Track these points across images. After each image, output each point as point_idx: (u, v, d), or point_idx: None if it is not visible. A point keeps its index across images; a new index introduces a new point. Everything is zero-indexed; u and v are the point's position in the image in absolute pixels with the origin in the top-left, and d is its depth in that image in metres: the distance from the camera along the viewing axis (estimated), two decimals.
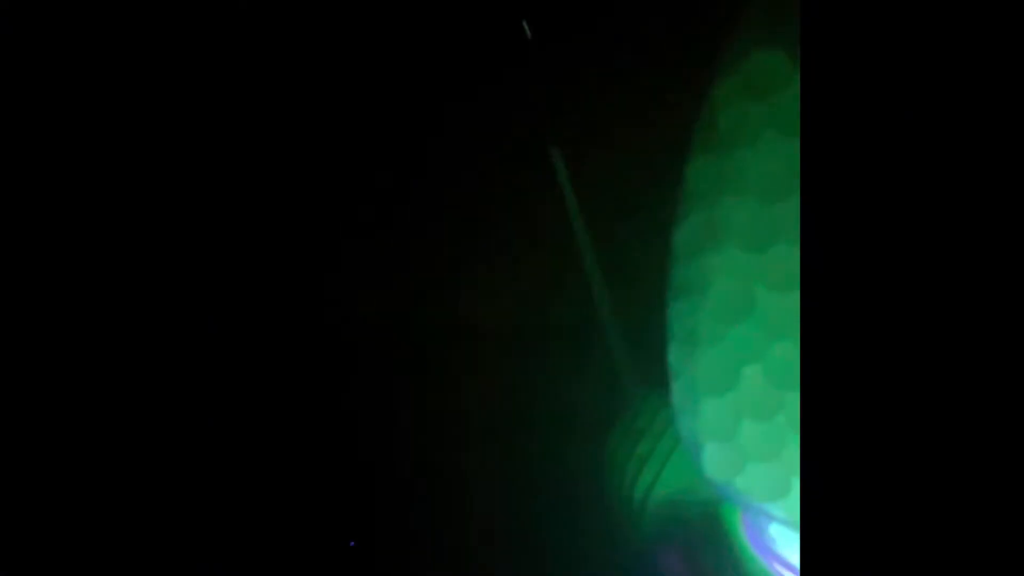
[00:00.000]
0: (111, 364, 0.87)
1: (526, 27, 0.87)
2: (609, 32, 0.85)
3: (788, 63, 0.52)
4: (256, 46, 0.90)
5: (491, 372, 0.90)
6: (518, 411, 0.88)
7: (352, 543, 0.90)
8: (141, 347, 0.88)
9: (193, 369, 0.89)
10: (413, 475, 0.91)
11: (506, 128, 0.90)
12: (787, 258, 0.52)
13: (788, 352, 0.53)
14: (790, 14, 0.51)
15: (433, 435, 0.90)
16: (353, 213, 0.93)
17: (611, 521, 0.75)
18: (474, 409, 0.89)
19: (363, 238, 0.93)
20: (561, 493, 0.84)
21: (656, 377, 0.60)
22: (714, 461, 0.56)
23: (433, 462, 0.90)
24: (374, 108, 0.92)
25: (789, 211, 0.52)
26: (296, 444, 0.91)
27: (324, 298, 0.93)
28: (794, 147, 0.51)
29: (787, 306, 0.52)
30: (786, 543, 0.62)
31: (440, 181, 0.92)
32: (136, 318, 0.89)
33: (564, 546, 0.83)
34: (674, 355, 0.57)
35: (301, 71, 0.91)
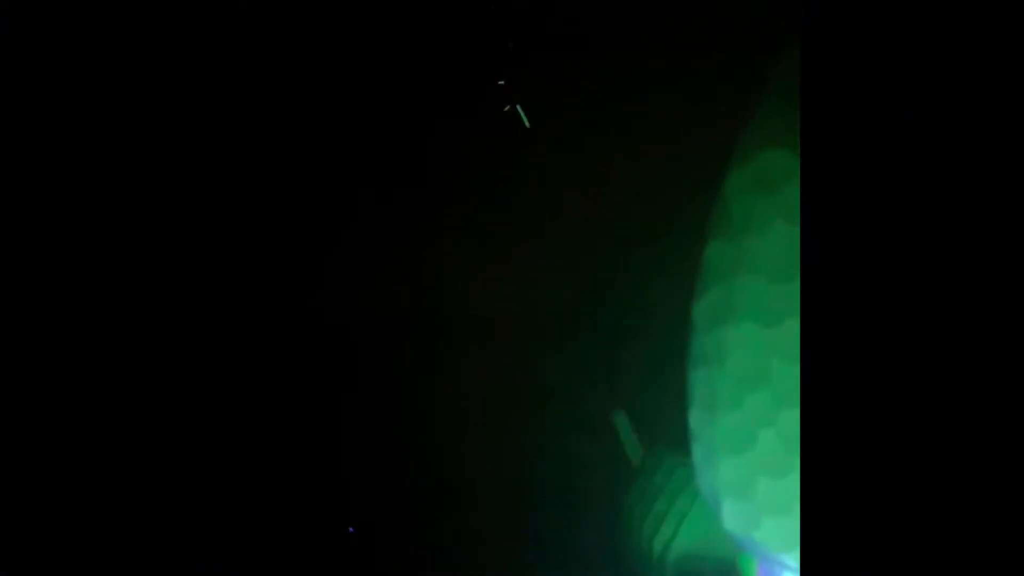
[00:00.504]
0: (111, 364, 0.89)
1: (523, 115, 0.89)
2: (629, 121, 0.88)
3: (794, 159, 0.56)
4: (256, 46, 0.91)
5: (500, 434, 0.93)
6: (530, 467, 0.92)
7: (351, 529, 0.92)
8: (141, 347, 0.90)
9: (193, 369, 0.91)
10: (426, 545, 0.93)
11: (513, 124, 0.93)
12: (798, 332, 0.57)
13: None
14: (795, 115, 0.55)
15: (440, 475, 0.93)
16: (354, 209, 0.95)
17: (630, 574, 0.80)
18: (485, 463, 0.92)
19: (364, 233, 0.95)
20: (577, 549, 0.87)
21: (672, 437, 0.64)
22: (733, 516, 0.61)
23: (442, 505, 0.92)
24: (375, 103, 0.94)
25: (799, 290, 0.57)
26: (296, 442, 0.93)
27: (324, 295, 0.95)
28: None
29: (799, 376, 0.57)
30: None
31: (443, 179, 0.95)
32: (136, 318, 0.90)
33: None
34: (695, 419, 0.62)
35: (302, 68, 0.92)
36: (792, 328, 0.57)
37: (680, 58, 0.88)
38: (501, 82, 0.92)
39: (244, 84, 0.92)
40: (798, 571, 0.60)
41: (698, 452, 0.62)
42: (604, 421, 0.87)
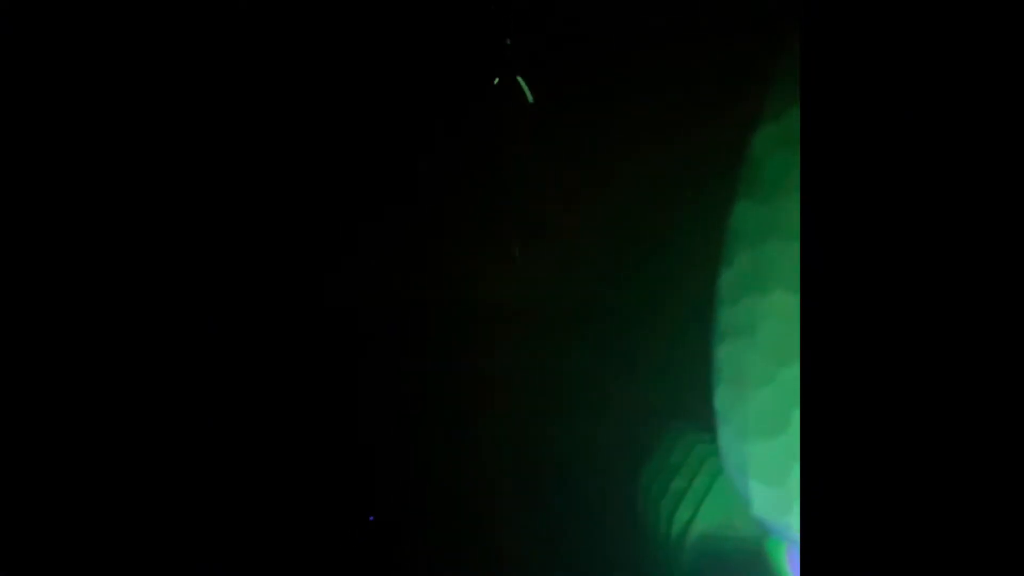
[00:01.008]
0: (111, 364, 0.86)
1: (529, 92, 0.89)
2: (651, 77, 0.86)
3: None
4: (260, 43, 0.89)
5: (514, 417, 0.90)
6: (545, 444, 0.89)
7: (372, 518, 0.90)
8: (141, 347, 0.88)
9: (193, 369, 0.89)
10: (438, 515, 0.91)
11: (522, 118, 0.91)
12: None
13: None
14: None
15: (454, 465, 0.91)
16: (366, 204, 0.93)
17: (648, 558, 0.76)
18: (496, 443, 0.89)
19: (380, 223, 0.93)
20: (594, 530, 0.84)
21: (690, 411, 0.61)
22: (763, 502, 0.56)
23: (458, 490, 0.90)
24: (378, 101, 0.92)
25: None
26: (299, 441, 0.91)
27: (327, 293, 0.93)
28: None
29: None
30: None
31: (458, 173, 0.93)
32: (136, 318, 0.88)
33: None
34: (721, 398, 0.57)
35: (306, 65, 0.90)
36: None
37: (681, 56, 0.86)
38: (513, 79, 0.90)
39: (243, 81, 0.90)
40: None
41: (725, 434, 0.57)
42: (621, 403, 0.84)
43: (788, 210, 0.54)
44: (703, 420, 0.60)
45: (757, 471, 0.56)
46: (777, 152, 0.54)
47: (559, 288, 0.92)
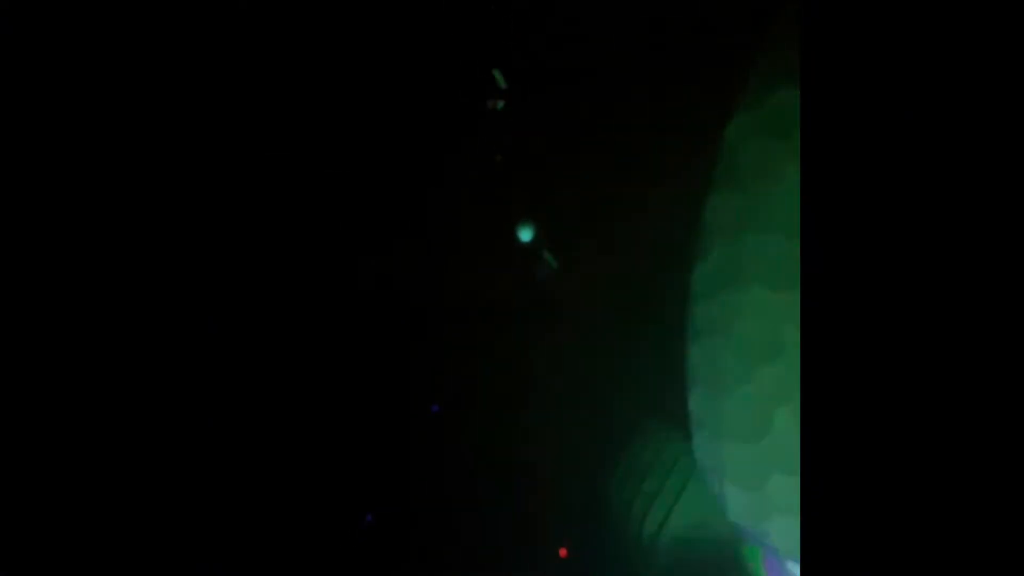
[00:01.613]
0: (111, 364, 0.87)
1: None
2: (622, 63, 0.85)
3: None
4: (264, 42, 0.89)
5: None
6: (524, 442, 0.88)
7: (369, 517, 0.90)
8: (141, 347, 0.88)
9: (193, 369, 0.89)
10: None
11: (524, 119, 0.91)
12: None
13: None
14: None
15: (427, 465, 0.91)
16: (368, 200, 0.93)
17: (621, 559, 0.74)
18: (480, 443, 0.89)
19: (381, 223, 0.93)
20: (568, 529, 0.84)
21: (661, 409, 0.59)
22: (739, 507, 0.55)
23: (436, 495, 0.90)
24: (393, 93, 0.92)
25: None
26: (299, 441, 0.91)
27: (328, 293, 0.93)
28: None
29: None
30: None
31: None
32: (136, 318, 0.88)
33: None
34: (696, 400, 0.55)
35: (315, 58, 0.91)
36: None
37: (680, 56, 0.85)
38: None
39: (245, 81, 0.91)
40: None
41: (701, 437, 0.56)
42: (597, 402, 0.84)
43: (764, 200, 0.52)
44: (673, 417, 0.58)
45: (734, 476, 0.54)
46: (751, 141, 0.53)
47: (552, 288, 0.92)
